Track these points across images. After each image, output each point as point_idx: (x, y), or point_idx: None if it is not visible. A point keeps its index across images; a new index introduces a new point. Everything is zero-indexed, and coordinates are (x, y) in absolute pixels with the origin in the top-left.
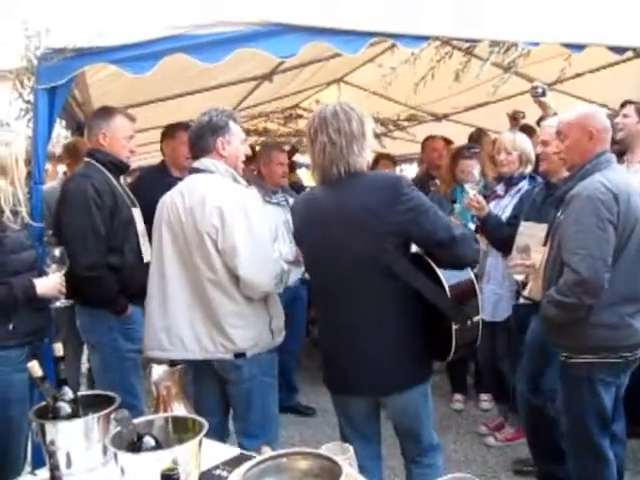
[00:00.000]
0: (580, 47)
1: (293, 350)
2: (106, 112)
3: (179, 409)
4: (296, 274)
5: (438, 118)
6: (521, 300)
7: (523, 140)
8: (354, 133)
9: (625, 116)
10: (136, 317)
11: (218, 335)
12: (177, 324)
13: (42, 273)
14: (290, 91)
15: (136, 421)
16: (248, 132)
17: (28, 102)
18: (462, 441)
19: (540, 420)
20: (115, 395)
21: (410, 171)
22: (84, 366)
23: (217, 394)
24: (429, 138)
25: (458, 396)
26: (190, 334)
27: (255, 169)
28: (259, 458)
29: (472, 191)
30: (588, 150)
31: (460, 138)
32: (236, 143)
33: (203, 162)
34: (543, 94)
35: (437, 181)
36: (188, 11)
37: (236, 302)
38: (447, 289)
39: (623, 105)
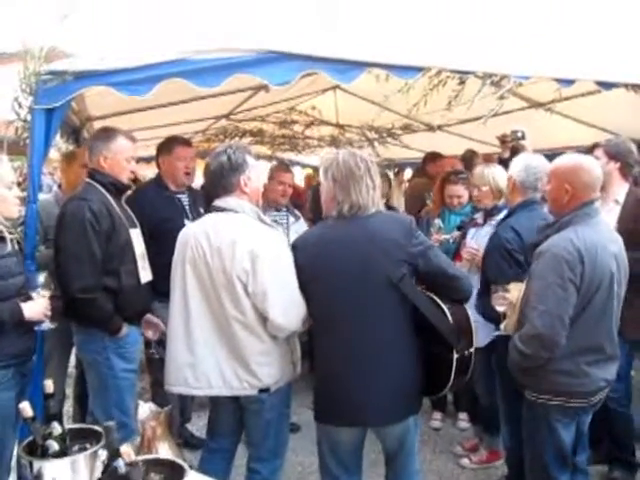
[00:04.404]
0: (569, 82)
1: None
2: (107, 134)
3: (163, 449)
4: None
5: (432, 128)
6: (497, 333)
7: (491, 173)
8: (376, 186)
9: (595, 158)
10: (132, 337)
11: (244, 373)
12: (203, 361)
13: (30, 297)
14: (286, 97)
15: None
16: (243, 133)
17: (25, 121)
18: (438, 460)
19: None
20: (102, 429)
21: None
22: (71, 369)
23: (233, 419)
24: (435, 157)
25: (437, 414)
26: (216, 371)
27: None
28: None
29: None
30: (563, 204)
31: (453, 149)
32: (256, 177)
33: (227, 201)
34: (522, 137)
35: (428, 202)
36: (187, 37)
37: (262, 341)
38: (450, 317)
39: (593, 148)
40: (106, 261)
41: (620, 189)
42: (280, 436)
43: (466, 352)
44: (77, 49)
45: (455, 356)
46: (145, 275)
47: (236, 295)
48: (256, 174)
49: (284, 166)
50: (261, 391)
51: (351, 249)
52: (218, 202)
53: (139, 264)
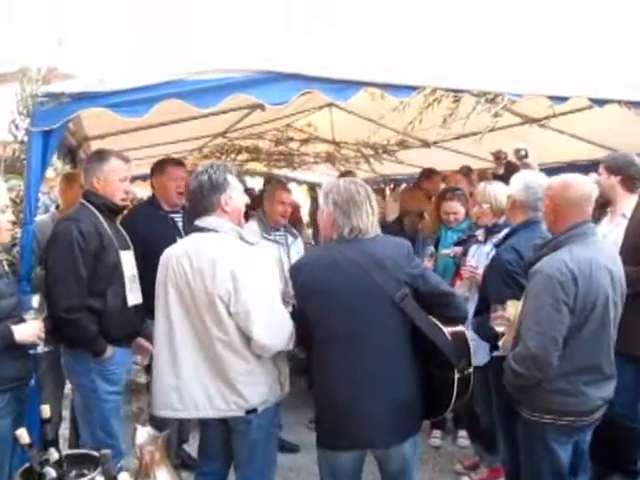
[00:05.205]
0: (562, 99)
1: None
2: (100, 156)
3: (162, 474)
4: None
5: (427, 144)
6: (495, 353)
7: (492, 191)
8: (375, 212)
9: (598, 174)
10: (118, 359)
11: (230, 394)
12: (188, 383)
13: (23, 320)
14: (282, 115)
15: None
16: (240, 150)
17: (22, 143)
18: (438, 479)
19: None
20: (98, 454)
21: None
22: (67, 391)
23: (221, 441)
24: (430, 173)
25: (436, 432)
26: (202, 393)
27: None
28: None
29: None
30: (551, 221)
31: (448, 165)
32: (237, 196)
33: (208, 221)
34: (526, 156)
35: (427, 217)
36: (184, 58)
37: (247, 361)
38: (449, 336)
39: (597, 165)
40: (93, 282)
41: (627, 202)
42: (268, 457)
43: (465, 372)
44: (78, 70)
45: (457, 376)
46: (133, 298)
47: (218, 315)
48: (237, 193)
49: (284, 185)
50: (248, 412)
51: (353, 270)
52: (198, 222)
53: (127, 286)
